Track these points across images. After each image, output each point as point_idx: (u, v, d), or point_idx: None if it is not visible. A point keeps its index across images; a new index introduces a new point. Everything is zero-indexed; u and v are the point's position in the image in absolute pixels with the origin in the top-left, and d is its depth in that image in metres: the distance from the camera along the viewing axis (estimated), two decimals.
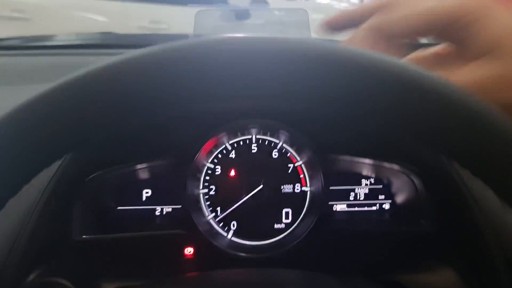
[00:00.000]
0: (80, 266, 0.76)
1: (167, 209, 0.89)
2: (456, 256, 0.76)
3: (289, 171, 0.87)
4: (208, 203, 0.87)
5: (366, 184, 0.89)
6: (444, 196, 0.76)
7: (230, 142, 0.86)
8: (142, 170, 0.83)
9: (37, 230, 0.70)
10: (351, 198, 0.89)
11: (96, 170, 0.76)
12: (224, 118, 0.79)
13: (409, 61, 0.46)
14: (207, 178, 0.87)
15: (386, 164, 0.81)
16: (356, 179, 0.89)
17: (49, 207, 0.72)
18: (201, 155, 0.81)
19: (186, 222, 0.83)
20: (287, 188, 0.87)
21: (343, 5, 4.62)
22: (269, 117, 0.79)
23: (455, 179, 0.72)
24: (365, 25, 0.43)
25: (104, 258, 0.80)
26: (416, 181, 0.79)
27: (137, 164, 0.80)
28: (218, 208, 0.87)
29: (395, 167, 0.80)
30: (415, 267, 0.77)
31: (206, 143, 0.81)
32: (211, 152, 0.86)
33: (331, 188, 0.86)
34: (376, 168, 0.84)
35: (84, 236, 0.78)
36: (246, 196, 0.86)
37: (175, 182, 0.86)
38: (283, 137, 0.86)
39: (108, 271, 0.79)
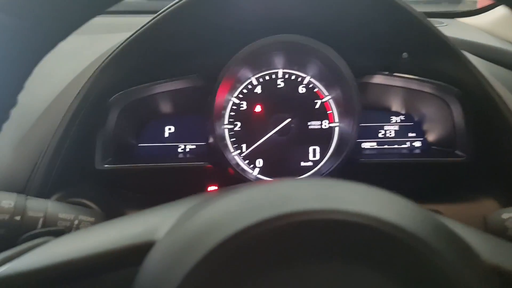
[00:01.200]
0: (104, 192, 0.73)
1: (191, 146, 0.86)
2: (496, 184, 0.73)
3: (317, 106, 0.84)
4: (233, 139, 0.84)
5: (396, 121, 0.86)
6: (483, 122, 0.73)
7: (256, 76, 0.84)
8: (164, 97, 0.80)
9: (57, 155, 0.68)
10: (380, 136, 0.86)
11: (118, 90, 0.74)
12: (251, 36, 0.76)
13: None
14: (232, 114, 0.84)
15: (423, 87, 0.77)
16: (386, 115, 0.86)
17: (71, 131, 0.69)
18: (224, 82, 0.77)
19: (211, 158, 0.80)
20: (314, 125, 0.85)
21: None
22: (299, 32, 0.76)
23: (495, 101, 0.69)
24: None
25: (126, 186, 0.77)
26: (454, 106, 0.75)
27: (159, 82, 0.77)
28: (244, 145, 0.84)
29: (432, 90, 0.76)
30: (453, 196, 0.74)
31: (231, 61, 0.77)
32: (235, 87, 0.84)
33: (360, 125, 0.83)
34: (408, 96, 0.81)
35: (106, 166, 0.75)
36: (271, 132, 0.83)
37: (198, 118, 0.84)
38: (311, 71, 0.83)
39: (131, 199, 0.76)
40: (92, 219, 0.57)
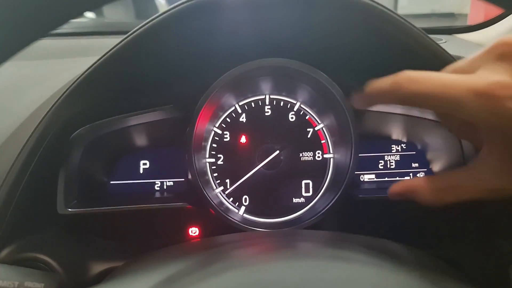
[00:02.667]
0: (65, 243, 0.64)
1: (168, 182, 0.77)
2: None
3: (309, 136, 0.76)
4: (215, 174, 0.75)
5: (397, 150, 0.77)
6: None
7: (240, 103, 0.75)
8: (137, 130, 0.71)
9: (10, 199, 0.58)
10: (380, 167, 0.77)
11: (83, 124, 0.65)
12: (234, 60, 0.67)
13: None
14: (214, 146, 0.75)
15: (425, 113, 0.69)
16: (385, 144, 0.77)
17: (28, 173, 0.60)
18: (204, 111, 0.69)
19: (191, 197, 0.71)
20: (306, 156, 0.76)
21: None
22: (287, 56, 0.67)
23: None
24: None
25: (94, 232, 0.68)
26: None
27: (131, 115, 0.68)
28: (227, 181, 0.75)
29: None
30: (466, 239, 0.65)
31: (213, 86, 0.68)
32: (217, 116, 0.75)
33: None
34: (409, 124, 0.72)
35: (70, 210, 0.65)
36: (258, 165, 0.75)
37: (176, 151, 0.75)
38: (301, 97, 0.75)
39: (99, 250, 0.66)
40: (40, 286, 0.47)
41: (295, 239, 0.46)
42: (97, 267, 0.63)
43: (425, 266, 0.39)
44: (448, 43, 1.06)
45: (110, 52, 0.59)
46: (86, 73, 0.61)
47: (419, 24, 0.62)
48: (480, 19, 1.49)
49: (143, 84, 0.67)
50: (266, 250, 0.38)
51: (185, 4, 0.54)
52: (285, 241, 0.44)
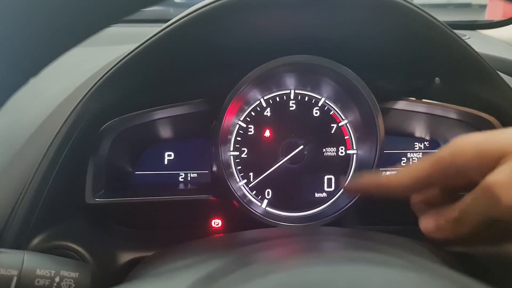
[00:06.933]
0: (94, 232, 0.65)
1: (192, 174, 0.77)
2: None
3: (332, 131, 0.76)
4: (239, 167, 0.76)
5: (420, 148, 0.78)
6: None
7: (265, 97, 0.76)
8: (164, 123, 0.71)
9: (42, 189, 0.59)
10: (403, 164, 0.78)
11: (113, 116, 0.66)
12: (261, 57, 0.68)
13: None
14: (239, 139, 0.76)
15: (448, 113, 0.69)
16: (408, 141, 0.77)
17: (59, 163, 0.61)
18: (232, 105, 0.69)
19: (214, 189, 0.72)
20: (329, 151, 0.76)
21: None
22: (314, 52, 0.67)
23: None
24: None
25: (120, 222, 0.69)
26: None
27: (160, 108, 0.69)
28: (251, 174, 0.76)
29: (461, 116, 0.68)
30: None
31: (241, 82, 0.68)
32: (242, 110, 0.75)
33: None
34: (433, 122, 0.72)
35: (97, 200, 0.66)
36: (282, 160, 0.75)
37: (201, 143, 0.76)
38: (326, 92, 0.75)
39: (125, 239, 0.67)
40: (75, 275, 0.48)
41: (333, 239, 0.47)
42: (124, 257, 0.64)
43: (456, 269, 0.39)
44: (472, 39, 1.05)
45: (143, 46, 0.60)
46: (120, 63, 0.61)
47: (436, 15, 0.62)
48: (499, 12, 1.47)
49: (174, 78, 0.68)
50: (307, 251, 0.39)
51: (222, 1, 0.54)
52: (324, 241, 0.45)
